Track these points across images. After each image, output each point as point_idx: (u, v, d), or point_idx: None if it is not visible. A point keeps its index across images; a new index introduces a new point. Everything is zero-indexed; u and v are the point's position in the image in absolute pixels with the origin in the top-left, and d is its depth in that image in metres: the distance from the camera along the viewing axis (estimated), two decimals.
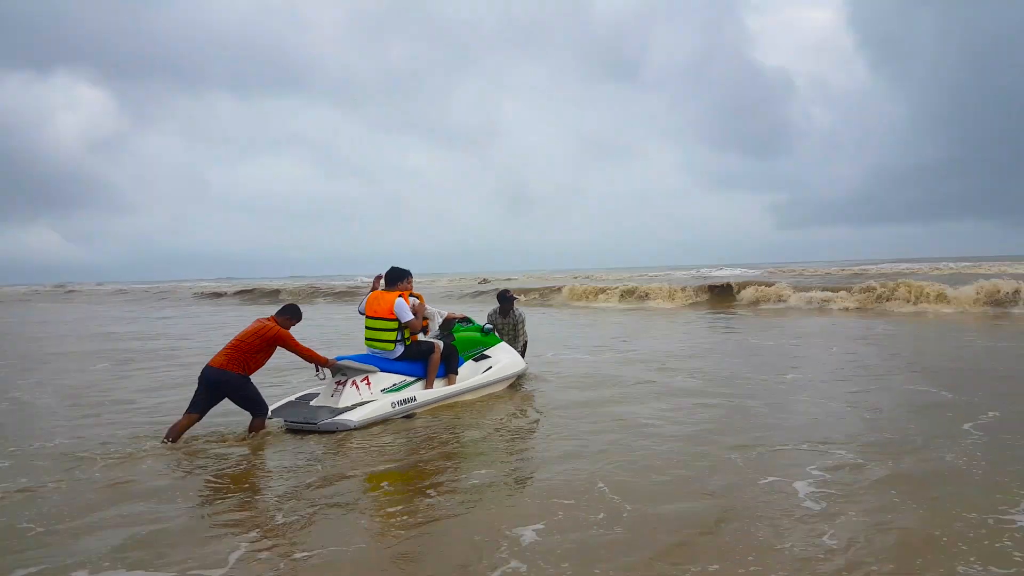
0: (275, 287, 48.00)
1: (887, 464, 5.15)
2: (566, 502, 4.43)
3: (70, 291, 66.75)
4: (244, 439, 6.25)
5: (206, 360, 6.38)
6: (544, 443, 6.11)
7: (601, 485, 4.73)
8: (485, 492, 4.76)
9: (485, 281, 46.66)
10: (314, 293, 43.35)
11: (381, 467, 5.40)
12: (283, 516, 4.36)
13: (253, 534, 4.04)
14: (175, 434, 6.13)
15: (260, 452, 5.92)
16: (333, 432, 6.37)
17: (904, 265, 39.19)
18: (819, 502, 4.36)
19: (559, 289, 32.10)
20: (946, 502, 4.32)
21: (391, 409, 6.81)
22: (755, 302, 24.24)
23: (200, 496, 4.76)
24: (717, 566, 3.46)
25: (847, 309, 21.01)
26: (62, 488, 4.94)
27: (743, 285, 25.53)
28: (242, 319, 24.88)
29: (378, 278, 7.61)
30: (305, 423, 6.49)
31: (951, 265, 37.55)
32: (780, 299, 23.66)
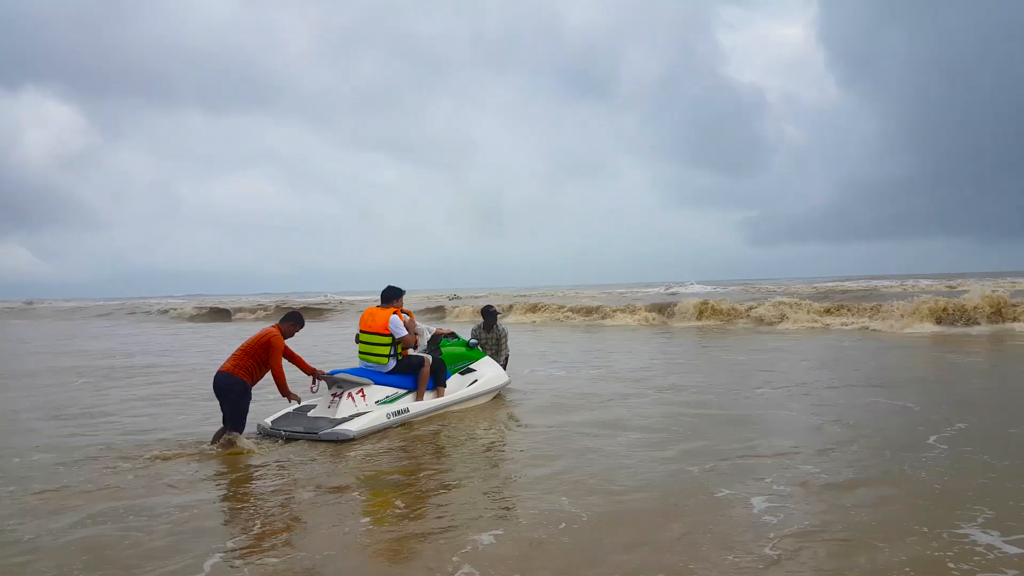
0: (236, 305, 46.95)
1: (849, 477, 5.26)
2: (530, 511, 4.58)
3: (28, 307, 65.85)
4: (217, 447, 6.36)
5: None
6: (518, 454, 6.30)
7: (563, 496, 4.87)
8: (454, 500, 4.90)
9: (456, 297, 46.69)
10: (269, 314, 41.23)
11: (359, 477, 5.55)
12: (261, 525, 4.51)
13: (231, 543, 4.16)
14: (217, 439, 6.44)
15: (245, 462, 6.06)
16: (333, 441, 6.60)
17: (876, 282, 40.07)
18: (775, 515, 4.45)
19: (510, 307, 32.18)
20: (902, 515, 4.40)
21: (387, 420, 7.11)
22: (703, 316, 24.39)
23: (182, 504, 4.88)
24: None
25: (813, 327, 21.00)
26: (43, 499, 5.04)
27: (704, 304, 25.37)
28: (185, 336, 24.87)
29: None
30: (307, 433, 6.74)
31: (923, 282, 38.43)
32: (733, 316, 23.86)
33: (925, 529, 4.15)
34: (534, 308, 30.88)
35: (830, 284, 39.74)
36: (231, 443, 6.38)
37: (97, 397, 10.01)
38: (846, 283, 41.20)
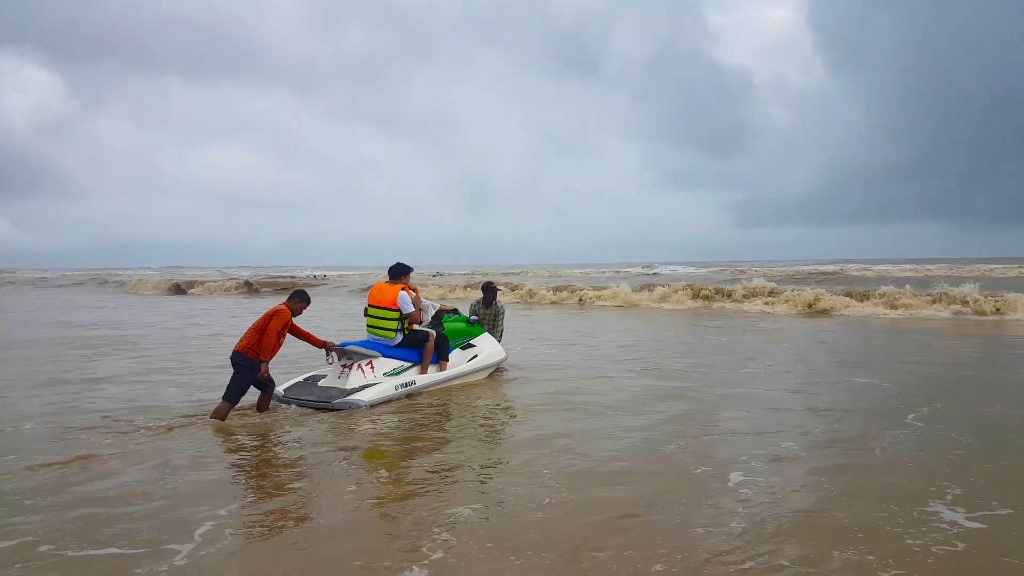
0: (212, 279, 44.36)
1: (827, 455, 5.37)
2: (513, 488, 4.67)
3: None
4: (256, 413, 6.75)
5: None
6: (509, 428, 6.49)
7: (546, 470, 4.98)
8: (444, 472, 5.02)
9: (439, 275, 46.56)
10: (238, 288, 39.56)
11: (356, 447, 5.69)
12: (254, 494, 4.62)
13: (223, 512, 4.25)
14: (219, 415, 6.56)
15: (248, 431, 6.21)
16: (344, 410, 6.89)
17: (856, 266, 40.68)
18: (750, 488, 4.57)
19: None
20: (875, 493, 4.51)
21: (395, 391, 7.42)
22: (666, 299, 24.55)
23: (177, 474, 4.97)
24: (631, 552, 3.64)
25: (790, 312, 20.83)
26: (41, 467, 5.13)
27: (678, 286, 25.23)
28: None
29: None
30: (319, 402, 7.02)
31: (906, 267, 39.07)
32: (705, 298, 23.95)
33: (895, 506, 4.25)
34: (515, 287, 30.96)
35: (810, 268, 40.32)
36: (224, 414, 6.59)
37: (86, 367, 10.06)
38: (828, 266, 41.83)
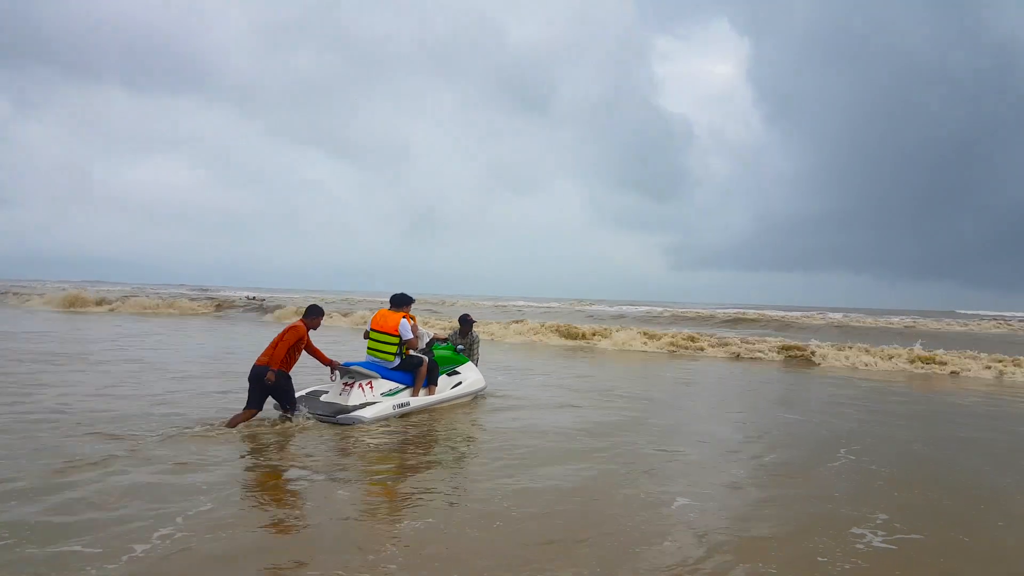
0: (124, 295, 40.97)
1: (768, 482, 5.61)
2: (471, 506, 4.76)
3: None
4: (276, 424, 7.04)
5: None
6: (477, 450, 6.71)
7: (501, 492, 5.07)
8: (400, 491, 5.10)
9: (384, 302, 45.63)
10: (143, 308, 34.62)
11: (327, 462, 5.77)
12: (211, 503, 4.59)
13: (179, 519, 4.24)
14: (233, 423, 6.78)
15: (223, 444, 6.21)
16: (347, 425, 7.23)
17: (773, 312, 42.07)
18: (692, 513, 4.74)
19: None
20: (810, 518, 4.75)
21: (392, 411, 7.79)
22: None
23: (150, 480, 4.98)
24: (570, 572, 3.72)
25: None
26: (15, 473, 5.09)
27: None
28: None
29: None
30: (323, 416, 7.34)
31: (833, 315, 40.65)
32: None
33: (832, 530, 4.47)
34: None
35: (732, 311, 41.65)
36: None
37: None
38: (762, 311, 43.25)
